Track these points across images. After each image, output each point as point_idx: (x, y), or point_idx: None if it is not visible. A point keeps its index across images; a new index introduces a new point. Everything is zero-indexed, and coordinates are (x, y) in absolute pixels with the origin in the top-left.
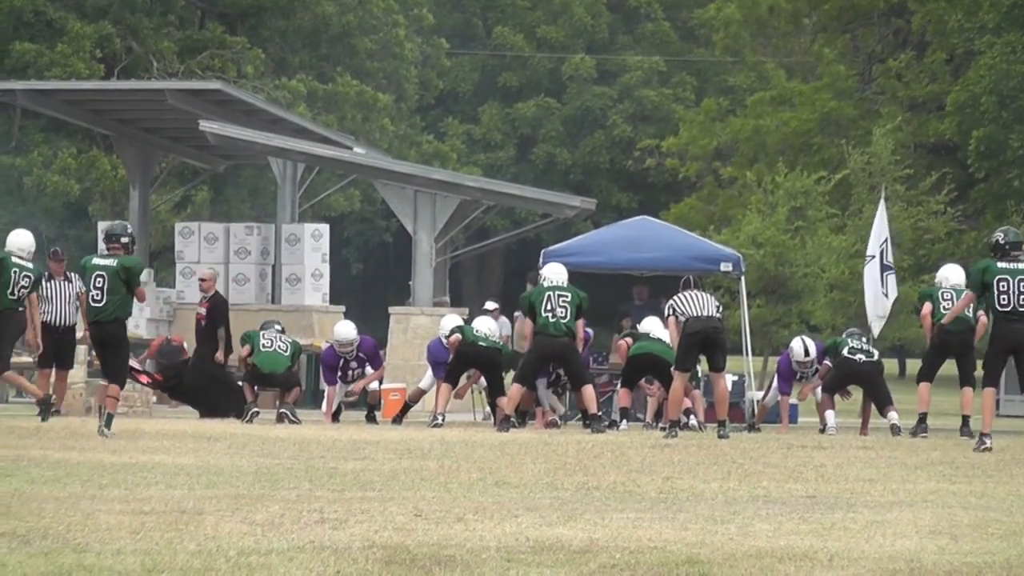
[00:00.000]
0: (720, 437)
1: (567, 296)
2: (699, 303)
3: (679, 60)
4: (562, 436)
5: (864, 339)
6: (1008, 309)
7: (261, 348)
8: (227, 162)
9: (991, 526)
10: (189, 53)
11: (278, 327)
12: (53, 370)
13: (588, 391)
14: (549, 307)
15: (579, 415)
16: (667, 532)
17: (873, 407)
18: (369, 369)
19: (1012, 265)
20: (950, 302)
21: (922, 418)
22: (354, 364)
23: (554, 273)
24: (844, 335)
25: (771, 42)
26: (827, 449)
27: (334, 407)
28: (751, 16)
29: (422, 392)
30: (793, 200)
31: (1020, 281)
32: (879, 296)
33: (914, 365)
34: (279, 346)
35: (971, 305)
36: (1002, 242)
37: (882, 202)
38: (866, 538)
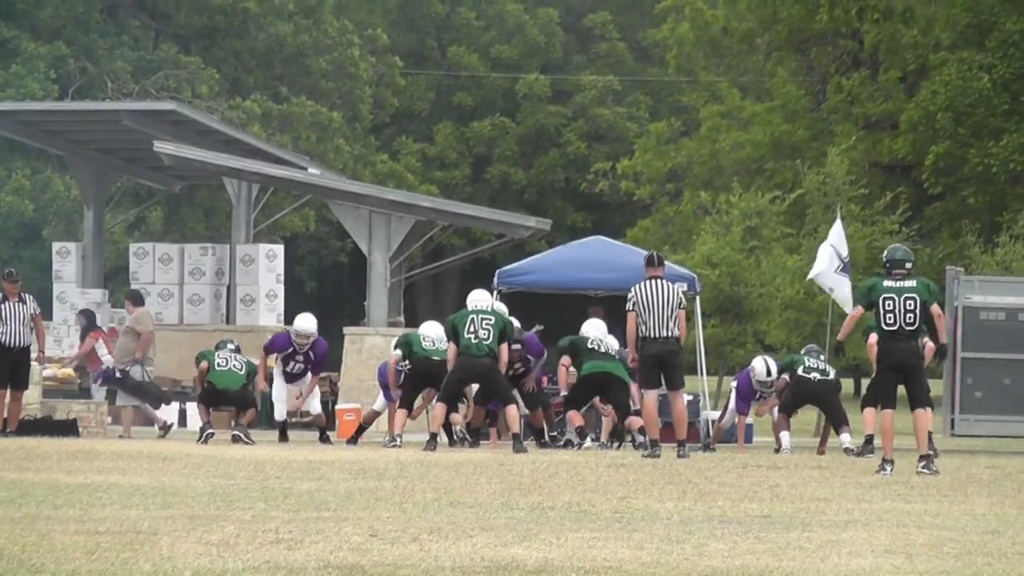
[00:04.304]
0: (680, 457)
1: (491, 319)
2: (658, 312)
3: (633, 80)
4: (516, 456)
5: (822, 357)
6: (894, 328)
7: (216, 367)
8: (182, 182)
9: (946, 545)
10: (143, 74)
11: (232, 346)
12: (7, 391)
13: (512, 411)
14: (472, 329)
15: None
16: (622, 552)
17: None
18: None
19: (898, 284)
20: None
21: (869, 439)
22: (300, 358)
23: (479, 298)
24: (802, 352)
25: (724, 62)
26: (782, 469)
27: (280, 416)
28: (704, 36)
29: (376, 414)
30: (748, 220)
31: (906, 299)
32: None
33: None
34: (234, 365)
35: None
36: (885, 261)
37: (839, 221)
38: (821, 557)
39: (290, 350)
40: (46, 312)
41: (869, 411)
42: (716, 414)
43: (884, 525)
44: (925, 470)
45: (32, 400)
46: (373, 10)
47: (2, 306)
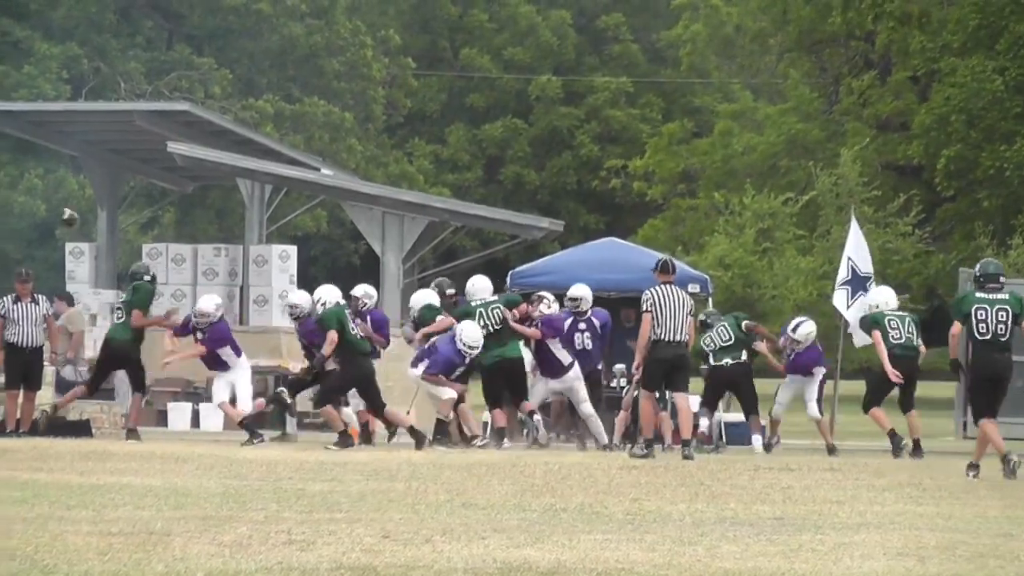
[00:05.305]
0: (685, 457)
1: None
2: (673, 316)
3: (646, 81)
4: (529, 457)
5: (723, 329)
6: (987, 337)
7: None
8: (195, 183)
9: (958, 548)
10: (156, 74)
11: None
12: (20, 391)
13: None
14: (352, 327)
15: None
16: (634, 554)
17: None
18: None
19: (990, 296)
20: (898, 331)
21: (892, 434)
22: (199, 335)
23: (338, 294)
24: (704, 320)
25: (737, 62)
26: (794, 471)
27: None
28: (717, 35)
29: (451, 403)
30: (760, 222)
31: (998, 310)
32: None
33: None
34: (118, 315)
35: (916, 332)
36: (978, 275)
37: (855, 226)
38: (834, 560)
39: (191, 326)
40: None
41: (876, 411)
42: (728, 416)
43: (896, 527)
44: (1012, 474)
45: (45, 401)
46: (386, 11)
47: (14, 307)
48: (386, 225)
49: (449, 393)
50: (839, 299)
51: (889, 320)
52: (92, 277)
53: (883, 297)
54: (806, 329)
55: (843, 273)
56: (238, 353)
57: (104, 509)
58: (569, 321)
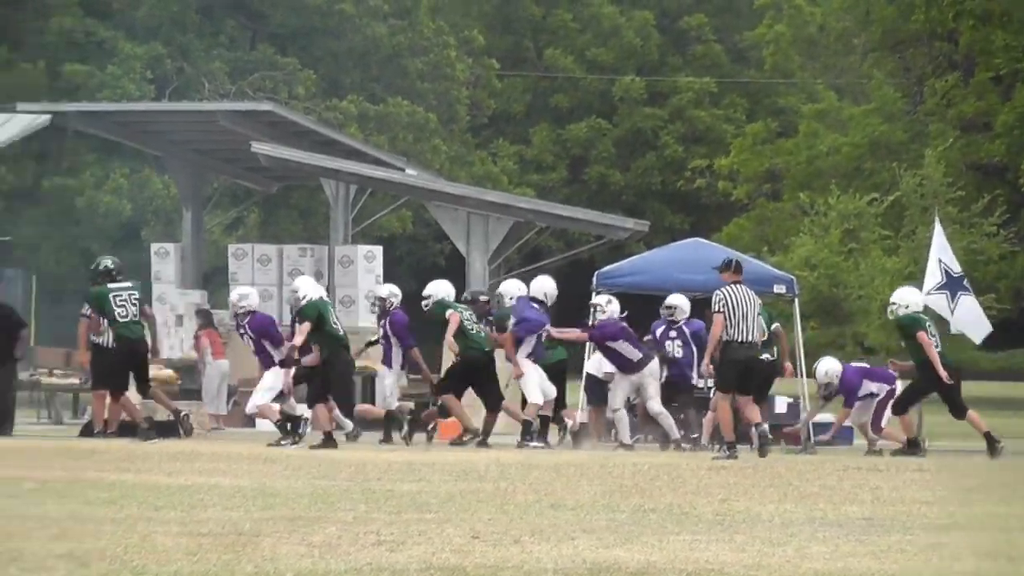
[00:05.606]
0: (760, 436)
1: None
2: (745, 316)
3: (730, 82)
4: (618, 458)
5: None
6: None
7: (119, 318)
8: (279, 183)
9: None
10: (240, 74)
11: (126, 284)
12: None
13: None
14: (334, 321)
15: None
16: (724, 554)
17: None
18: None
19: None
20: (936, 336)
21: (915, 441)
22: (241, 331)
23: (319, 290)
24: None
25: (820, 62)
26: (883, 471)
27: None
28: (800, 35)
29: (536, 408)
30: (846, 222)
31: None
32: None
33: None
34: (133, 312)
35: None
36: None
37: (939, 228)
38: (924, 561)
39: (235, 324)
40: None
41: (907, 417)
42: (817, 416)
43: (986, 529)
44: None
45: (133, 402)
46: (468, 12)
47: None
48: (471, 225)
49: (537, 397)
50: (938, 303)
51: (929, 327)
52: (178, 277)
53: (913, 299)
54: (822, 369)
55: (936, 276)
56: (275, 345)
57: (193, 510)
58: (662, 328)
